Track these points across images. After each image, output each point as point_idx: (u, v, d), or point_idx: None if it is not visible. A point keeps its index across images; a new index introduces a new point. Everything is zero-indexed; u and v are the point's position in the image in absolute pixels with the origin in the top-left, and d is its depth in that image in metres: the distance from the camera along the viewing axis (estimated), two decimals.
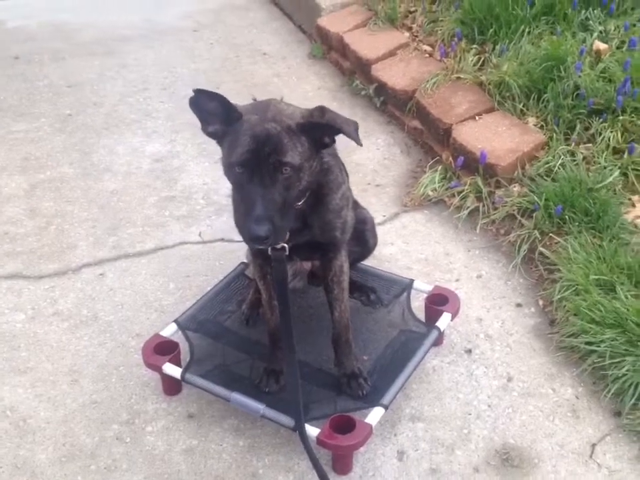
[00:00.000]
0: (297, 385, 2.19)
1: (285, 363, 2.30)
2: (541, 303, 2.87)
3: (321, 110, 1.95)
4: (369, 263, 2.93)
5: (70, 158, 3.95)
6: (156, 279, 3.09)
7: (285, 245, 2.10)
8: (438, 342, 2.67)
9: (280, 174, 1.89)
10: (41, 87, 4.71)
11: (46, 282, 3.08)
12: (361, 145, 1.96)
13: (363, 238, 2.65)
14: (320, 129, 1.96)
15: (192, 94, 1.93)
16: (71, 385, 2.60)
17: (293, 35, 5.45)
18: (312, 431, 2.18)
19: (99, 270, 3.14)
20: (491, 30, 3.98)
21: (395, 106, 4.17)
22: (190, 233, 3.37)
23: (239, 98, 4.53)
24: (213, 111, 1.96)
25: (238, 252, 3.04)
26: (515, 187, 3.28)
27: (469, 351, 2.69)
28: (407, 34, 4.49)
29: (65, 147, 4.05)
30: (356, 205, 2.61)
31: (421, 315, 2.70)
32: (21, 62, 5.05)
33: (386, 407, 2.27)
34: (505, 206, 3.22)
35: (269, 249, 2.11)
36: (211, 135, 2.01)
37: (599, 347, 2.52)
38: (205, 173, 3.79)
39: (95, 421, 2.46)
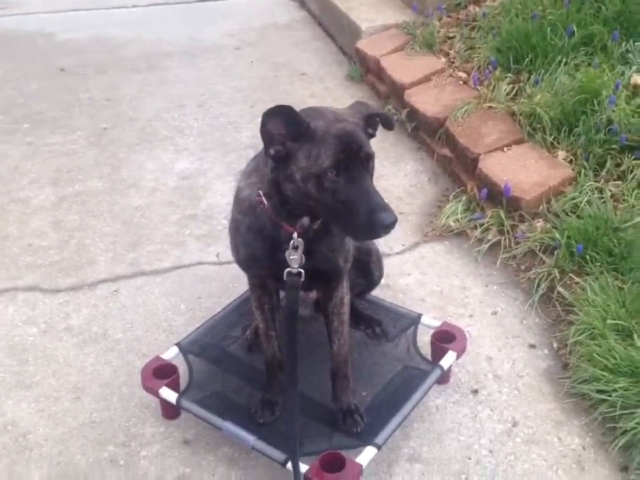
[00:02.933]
0: (295, 419, 2.15)
1: (286, 395, 2.26)
2: (555, 345, 2.78)
3: (362, 104, 2.08)
4: (381, 293, 2.90)
5: (100, 172, 4.01)
6: (168, 298, 3.10)
7: (302, 270, 2.05)
8: (444, 380, 2.60)
9: (370, 166, 1.93)
10: (81, 99, 4.81)
11: (61, 296, 3.12)
12: (392, 129, 2.14)
13: (368, 270, 2.60)
14: (374, 120, 2.04)
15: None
16: (73, 402, 2.62)
17: (334, 55, 5.45)
18: (301, 467, 2.14)
19: (113, 286, 3.17)
20: (527, 59, 3.91)
21: (426, 132, 4.12)
22: (208, 253, 3.37)
23: None
24: (276, 130, 1.90)
25: None
26: (538, 222, 3.19)
27: (476, 392, 2.61)
28: (443, 60, 4.44)
29: (96, 161, 4.12)
30: None
31: (427, 351, 2.63)
32: (66, 74, 5.17)
33: (379, 447, 2.21)
34: (527, 241, 3.13)
35: (285, 274, 2.07)
36: (274, 157, 1.94)
37: (611, 396, 2.41)
38: (229, 192, 3.75)
39: (91, 441, 2.46)
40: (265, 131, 1.90)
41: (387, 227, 1.88)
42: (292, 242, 2.03)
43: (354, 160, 1.88)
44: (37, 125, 4.49)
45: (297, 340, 2.12)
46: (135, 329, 2.94)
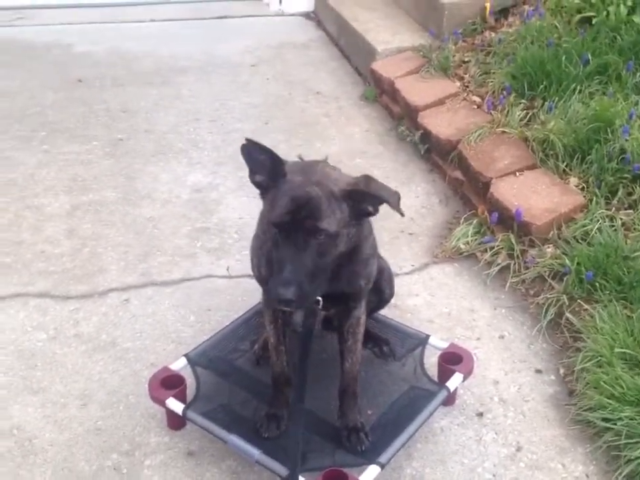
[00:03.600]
0: (298, 436, 2.16)
1: (291, 410, 2.28)
2: (562, 371, 2.78)
3: (367, 179, 1.97)
4: (389, 312, 2.91)
5: (115, 182, 4.05)
6: (178, 309, 3.11)
7: (319, 298, 2.07)
8: (449, 402, 2.61)
9: (314, 239, 1.90)
10: (97, 110, 4.85)
11: (72, 303, 3.14)
12: (403, 216, 2.02)
13: (379, 287, 2.61)
14: (364, 198, 1.96)
15: (243, 139, 1.99)
16: (80, 408, 2.63)
17: (349, 76, 5.49)
18: None
19: (124, 295, 3.19)
20: (541, 86, 3.94)
21: (438, 155, 4.14)
22: (218, 266, 3.39)
23: (286, 135, 4.60)
24: (262, 162, 1.98)
25: (261, 290, 3.04)
26: (548, 247, 3.20)
27: (481, 414, 2.61)
28: (457, 83, 4.47)
29: (111, 171, 4.15)
30: None
31: (434, 372, 2.64)
32: (83, 85, 5.22)
33: (382, 466, 2.21)
34: (537, 266, 3.14)
35: None
36: (256, 184, 2.03)
37: (616, 424, 2.41)
38: (241, 207, 3.82)
39: (96, 448, 2.47)
40: (251, 157, 1.98)
41: (281, 302, 1.91)
42: None
43: (299, 227, 1.89)
44: (53, 133, 4.53)
45: (309, 359, 2.16)
46: (144, 338, 2.95)
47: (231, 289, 3.24)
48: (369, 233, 2.22)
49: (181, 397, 2.47)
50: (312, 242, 1.90)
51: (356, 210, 1.96)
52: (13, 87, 5.12)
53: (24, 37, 6.05)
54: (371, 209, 1.99)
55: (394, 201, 1.96)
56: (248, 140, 1.96)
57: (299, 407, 2.17)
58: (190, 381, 2.55)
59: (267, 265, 2.18)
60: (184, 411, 2.40)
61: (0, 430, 2.53)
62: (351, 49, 5.70)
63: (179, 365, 2.59)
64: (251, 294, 3.15)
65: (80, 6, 6.61)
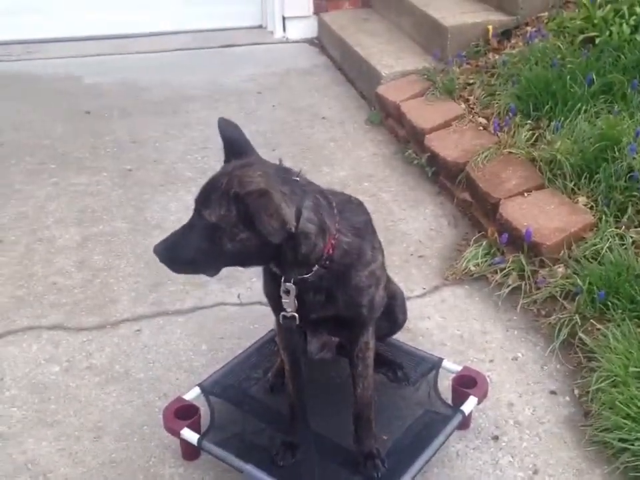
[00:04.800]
0: (312, 463, 2.15)
1: (301, 437, 2.27)
2: (576, 392, 2.76)
3: (259, 193, 1.84)
4: (401, 335, 2.89)
5: (124, 213, 4.07)
6: (190, 338, 3.12)
7: (295, 315, 2.10)
8: (464, 425, 2.59)
9: (198, 222, 1.95)
10: (106, 141, 4.90)
11: (84, 335, 3.15)
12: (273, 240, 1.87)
13: (392, 313, 2.61)
14: (245, 210, 1.86)
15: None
16: (94, 441, 2.63)
17: (354, 100, 5.52)
18: None
19: (136, 326, 3.20)
20: (547, 106, 3.94)
21: (446, 177, 4.15)
22: (229, 294, 3.40)
23: (293, 161, 4.63)
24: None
25: (273, 317, 3.03)
26: (559, 267, 3.19)
27: (496, 438, 2.60)
28: (463, 105, 4.50)
29: (121, 202, 4.18)
30: (387, 279, 2.58)
31: (448, 395, 2.63)
32: (91, 117, 5.27)
33: None
34: (548, 286, 3.13)
35: (281, 316, 2.12)
36: None
37: (633, 444, 2.39)
38: None
39: None
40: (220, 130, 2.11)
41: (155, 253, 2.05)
42: (283, 287, 2.07)
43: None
44: (62, 165, 4.57)
45: (302, 376, 2.21)
46: (157, 368, 2.96)
47: (242, 317, 3.25)
48: (368, 261, 2.14)
49: (195, 427, 2.47)
50: (196, 224, 1.95)
51: (243, 216, 1.88)
52: (23, 120, 5.18)
53: (33, 70, 6.11)
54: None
55: (264, 228, 1.82)
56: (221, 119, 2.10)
57: (305, 432, 2.18)
58: (203, 410, 2.55)
59: (265, 284, 2.25)
60: (199, 440, 2.39)
61: (15, 464, 2.53)
62: (355, 73, 5.74)
63: (193, 394, 2.59)
64: (262, 321, 3.17)
65: (88, 38, 6.68)
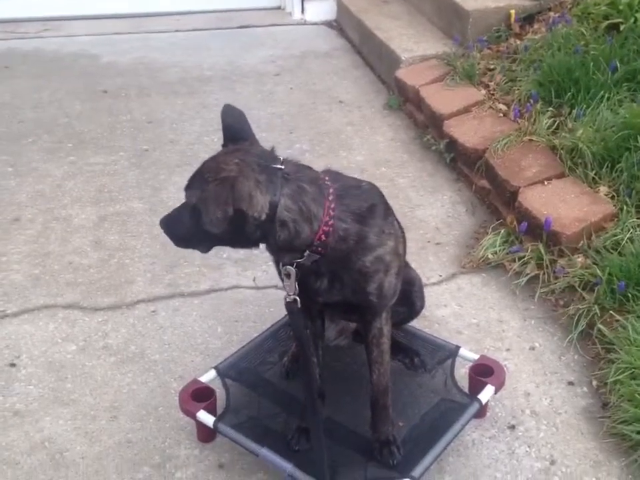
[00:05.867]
0: (321, 449, 2.15)
1: (310, 424, 2.27)
2: (594, 383, 2.74)
3: (221, 181, 1.90)
4: (417, 322, 2.88)
5: (141, 193, 4.07)
6: (205, 321, 3.12)
7: (297, 298, 2.10)
8: (480, 414, 2.58)
9: (187, 200, 2.01)
10: (123, 121, 4.89)
11: (100, 315, 3.15)
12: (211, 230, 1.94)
13: (410, 299, 2.59)
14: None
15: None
16: (110, 421, 2.63)
17: (372, 84, 5.48)
18: None
19: (152, 307, 3.20)
20: (569, 93, 3.89)
21: (464, 163, 4.12)
22: (245, 277, 3.39)
23: (310, 145, 4.60)
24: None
25: None
26: (578, 257, 3.16)
27: (513, 427, 2.58)
28: (483, 91, 4.45)
29: (137, 182, 4.18)
30: (405, 265, 2.56)
31: (464, 384, 2.61)
32: (108, 96, 5.26)
33: None
34: (567, 276, 3.10)
35: (285, 299, 2.13)
36: None
37: None
38: None
39: (127, 460, 2.47)
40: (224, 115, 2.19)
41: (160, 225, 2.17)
42: (283, 270, 2.08)
43: None
44: (79, 144, 4.57)
45: (310, 360, 2.22)
46: (172, 350, 2.96)
47: (258, 300, 3.24)
48: (373, 245, 2.09)
49: (212, 410, 2.47)
50: (186, 203, 2.01)
51: None
52: (41, 98, 5.18)
53: (51, 48, 6.12)
54: None
55: (206, 217, 1.89)
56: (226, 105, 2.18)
57: (315, 418, 2.17)
58: (219, 392, 2.54)
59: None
60: (215, 423, 2.39)
61: (32, 442, 2.54)
62: (373, 57, 5.70)
63: (209, 377, 2.59)
64: (278, 304, 3.15)
65: (106, 17, 6.68)
